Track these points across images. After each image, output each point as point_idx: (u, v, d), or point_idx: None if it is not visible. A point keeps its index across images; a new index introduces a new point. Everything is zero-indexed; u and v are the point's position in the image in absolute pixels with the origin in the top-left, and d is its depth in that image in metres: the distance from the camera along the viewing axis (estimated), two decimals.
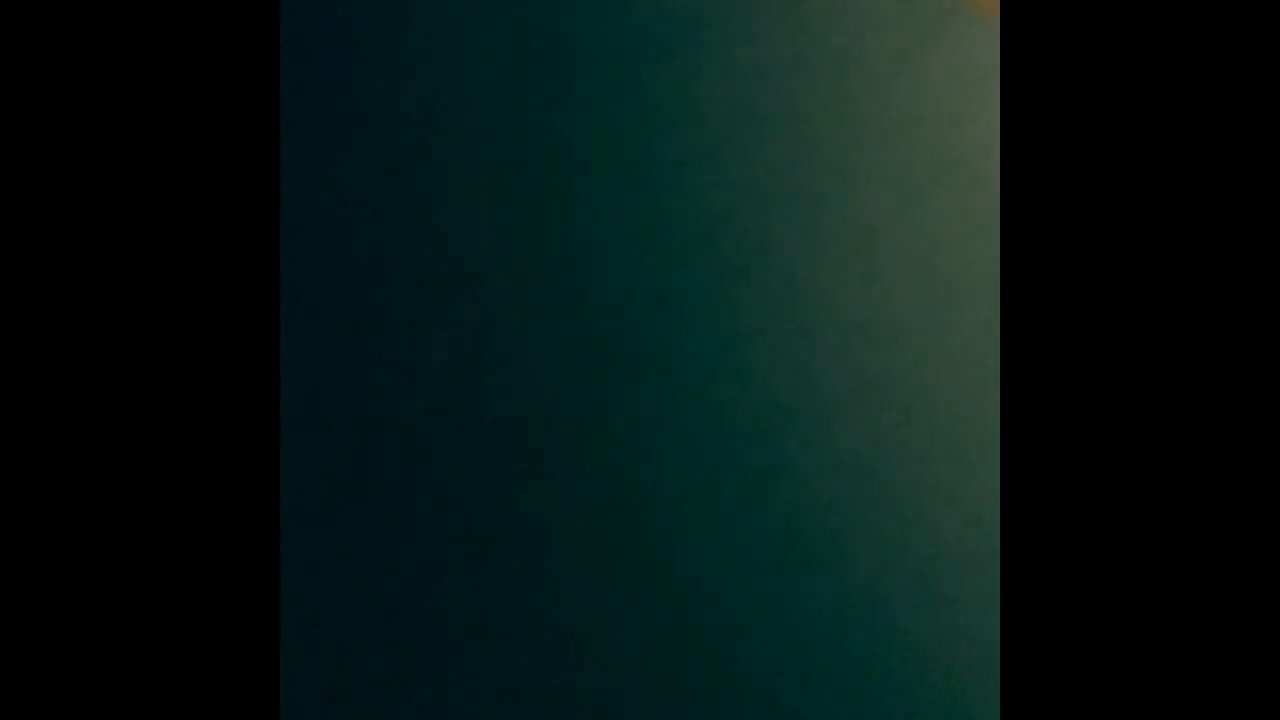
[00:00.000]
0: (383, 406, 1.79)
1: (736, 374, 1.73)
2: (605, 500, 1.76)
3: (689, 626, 1.74)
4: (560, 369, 1.78)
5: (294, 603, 1.77)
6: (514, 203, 1.79)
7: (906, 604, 1.69)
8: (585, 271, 1.79)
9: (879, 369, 1.72)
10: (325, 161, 1.79)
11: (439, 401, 1.78)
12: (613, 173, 1.79)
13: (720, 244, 1.77)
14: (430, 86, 1.81)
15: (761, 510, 1.73)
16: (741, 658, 1.72)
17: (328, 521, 1.77)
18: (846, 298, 1.73)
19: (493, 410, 1.77)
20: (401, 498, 1.79)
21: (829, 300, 1.74)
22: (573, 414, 1.77)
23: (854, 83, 1.75)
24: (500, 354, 1.78)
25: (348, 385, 1.79)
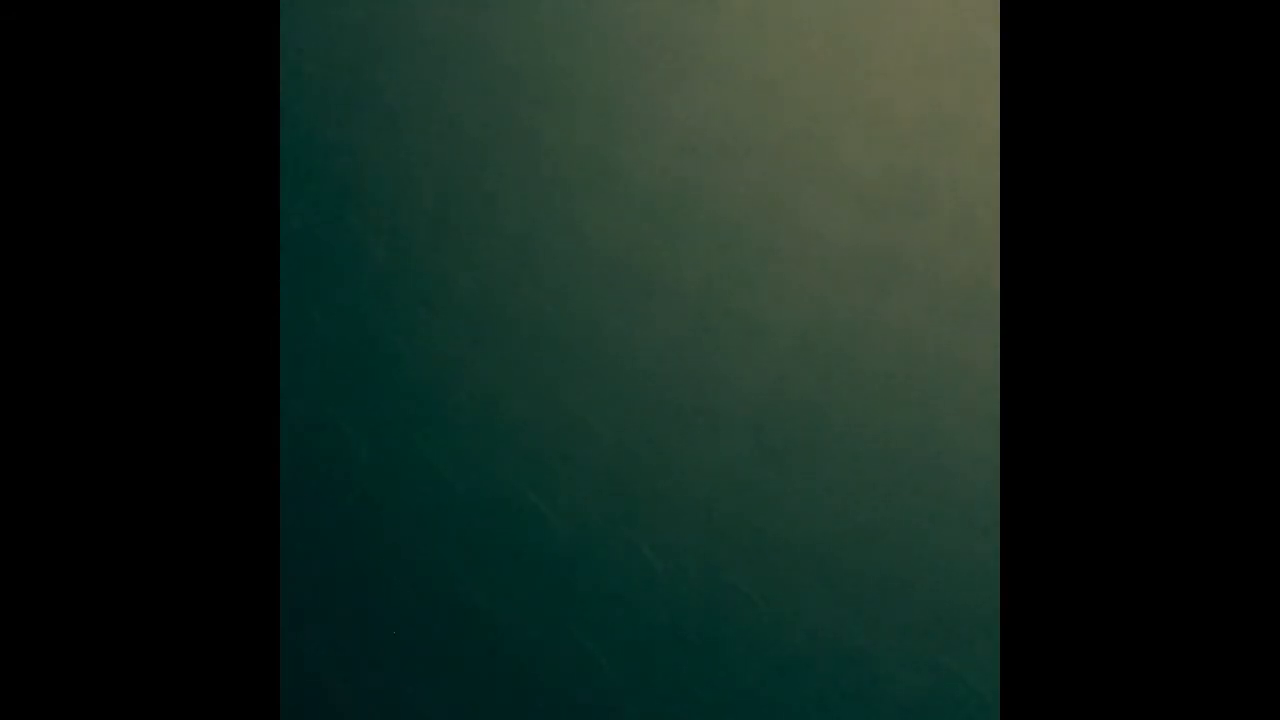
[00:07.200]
0: (379, 405, 1.79)
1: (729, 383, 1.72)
2: (610, 501, 1.76)
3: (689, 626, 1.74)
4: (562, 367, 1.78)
5: (293, 602, 1.77)
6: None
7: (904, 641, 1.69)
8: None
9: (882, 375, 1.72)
10: (324, 162, 1.79)
11: (433, 401, 1.78)
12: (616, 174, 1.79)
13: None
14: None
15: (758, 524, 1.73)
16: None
17: (326, 527, 1.77)
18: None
19: (493, 410, 1.76)
20: (400, 499, 1.79)
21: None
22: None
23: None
24: (506, 351, 1.78)
25: (347, 385, 1.79)
